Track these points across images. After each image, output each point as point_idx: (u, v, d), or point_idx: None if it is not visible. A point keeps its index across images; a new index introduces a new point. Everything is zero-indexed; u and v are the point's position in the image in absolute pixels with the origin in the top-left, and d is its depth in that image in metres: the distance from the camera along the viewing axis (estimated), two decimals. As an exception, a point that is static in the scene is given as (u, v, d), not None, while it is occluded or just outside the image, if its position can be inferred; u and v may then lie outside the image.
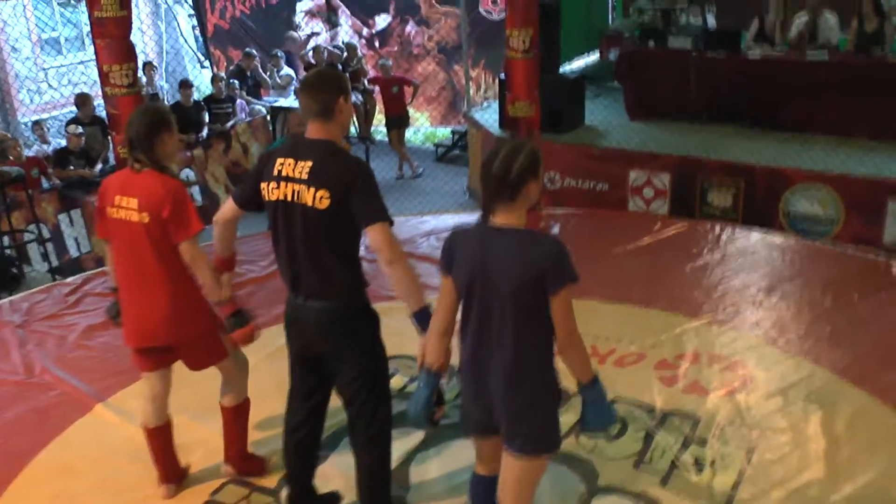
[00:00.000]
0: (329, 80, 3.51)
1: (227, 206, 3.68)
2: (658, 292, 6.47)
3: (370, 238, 3.35)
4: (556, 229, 7.98)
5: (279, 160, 3.46)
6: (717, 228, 7.74)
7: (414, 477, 4.40)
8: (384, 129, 12.36)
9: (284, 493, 4.14)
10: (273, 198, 3.46)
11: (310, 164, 3.39)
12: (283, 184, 3.43)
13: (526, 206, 3.02)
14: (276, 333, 5.26)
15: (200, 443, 4.42)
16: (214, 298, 3.82)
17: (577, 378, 3.12)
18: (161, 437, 4.23)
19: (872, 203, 7.81)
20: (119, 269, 3.92)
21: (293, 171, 3.41)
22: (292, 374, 3.81)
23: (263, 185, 3.49)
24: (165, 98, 12.23)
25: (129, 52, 7.03)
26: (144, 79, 11.41)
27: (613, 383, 5.15)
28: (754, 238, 7.54)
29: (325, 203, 3.34)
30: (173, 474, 4.33)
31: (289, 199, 3.42)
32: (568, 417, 4.74)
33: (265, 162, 3.54)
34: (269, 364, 4.98)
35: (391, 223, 3.38)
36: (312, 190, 3.36)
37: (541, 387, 3.07)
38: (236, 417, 4.23)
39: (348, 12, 14.44)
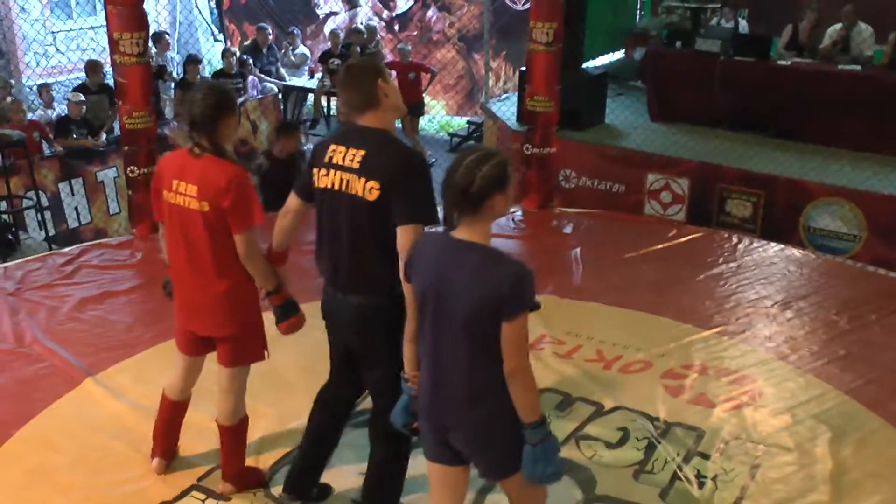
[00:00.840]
0: (360, 70, 3.51)
1: (291, 199, 3.68)
2: (669, 300, 6.46)
3: (398, 237, 3.32)
4: (568, 229, 7.99)
5: (332, 146, 3.46)
6: (735, 238, 7.72)
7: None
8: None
9: (279, 489, 4.14)
10: (321, 185, 3.46)
11: (362, 153, 3.37)
12: (332, 171, 3.42)
13: (491, 220, 2.90)
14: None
15: (189, 425, 4.43)
16: (268, 287, 3.79)
17: (521, 416, 2.87)
18: (174, 412, 4.25)
19: (895, 222, 7.79)
20: (172, 254, 3.87)
21: (343, 159, 3.40)
22: (332, 356, 3.85)
23: (314, 171, 3.50)
24: (175, 70, 12.22)
25: (140, 21, 7.04)
26: (155, 49, 11.40)
27: (618, 391, 5.18)
28: (772, 251, 7.52)
29: (375, 195, 3.32)
30: (168, 452, 4.34)
31: (336, 187, 3.41)
32: (567, 424, 4.77)
33: (321, 148, 3.55)
34: (287, 347, 4.98)
35: (430, 223, 3.33)
36: (363, 180, 3.34)
37: (499, 411, 2.90)
38: (236, 436, 4.15)
39: (369, -8, 14.46)
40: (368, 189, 3.33)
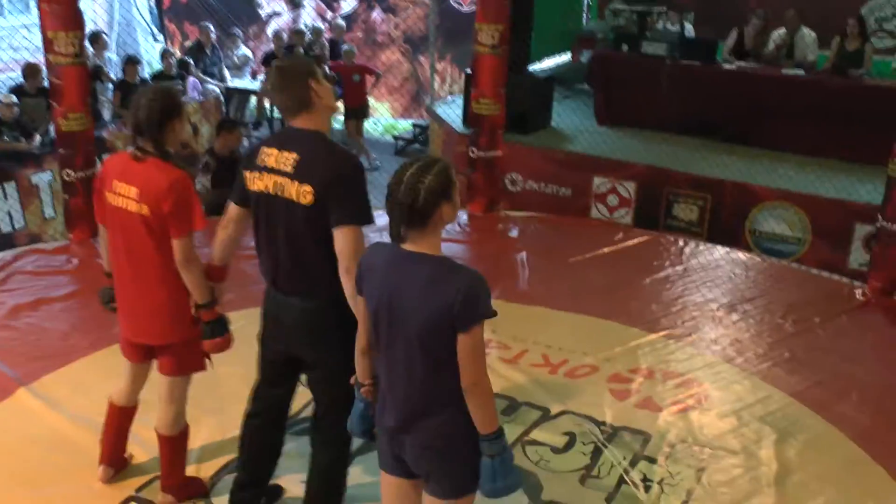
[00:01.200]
0: (291, 72, 3.48)
1: (229, 209, 3.64)
2: (615, 304, 6.52)
3: (336, 240, 3.32)
4: (514, 233, 8.03)
5: (264, 149, 3.45)
6: (681, 242, 7.82)
7: (351, 479, 4.38)
8: (342, 119, 12.31)
9: (221, 499, 4.10)
10: (255, 188, 3.45)
11: (295, 156, 3.36)
12: (265, 175, 3.41)
13: (440, 228, 2.87)
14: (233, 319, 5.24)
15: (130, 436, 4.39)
16: (202, 300, 3.74)
17: (478, 428, 2.85)
18: (123, 418, 4.21)
19: (839, 226, 7.94)
20: (113, 258, 3.84)
21: (276, 162, 3.39)
22: (262, 362, 3.81)
23: (247, 174, 3.48)
24: (114, 72, 12.05)
25: (76, 19, 6.96)
26: (91, 49, 11.24)
27: (564, 395, 5.21)
28: (718, 254, 7.63)
29: (310, 199, 3.31)
30: (116, 459, 4.30)
31: (270, 191, 3.40)
32: (513, 429, 4.79)
33: (254, 150, 3.53)
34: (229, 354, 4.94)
35: (366, 223, 3.33)
36: (297, 184, 3.33)
37: (455, 421, 2.88)
38: (177, 446, 4.12)
39: (312, -7, 14.40)
40: (303, 193, 3.32)
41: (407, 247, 2.85)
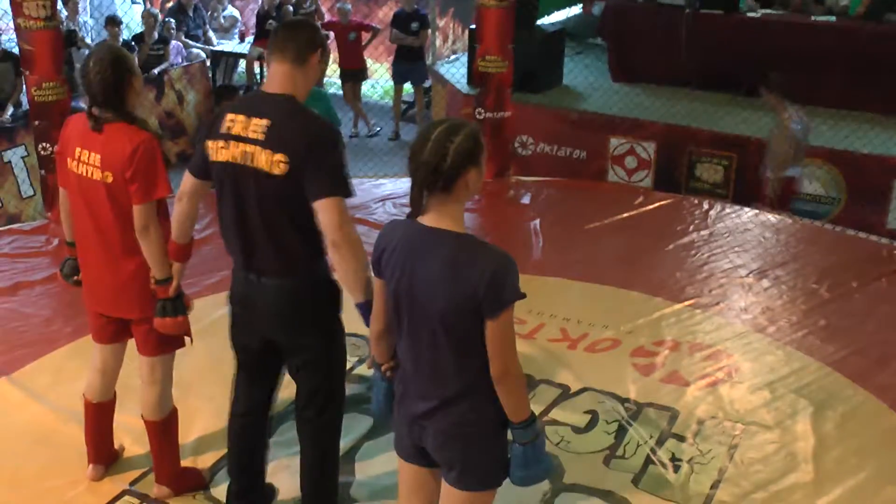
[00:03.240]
0: (312, 30, 3.49)
1: (185, 179, 3.58)
2: (637, 273, 6.50)
3: (318, 214, 3.28)
4: (525, 199, 8.00)
5: (229, 116, 3.38)
6: (705, 205, 7.79)
7: (359, 469, 4.40)
8: (338, 82, 12.28)
9: (221, 490, 4.11)
10: (220, 159, 3.39)
11: (266, 122, 3.30)
12: (232, 143, 3.35)
13: (464, 200, 2.86)
14: (209, 305, 5.26)
15: (126, 427, 4.40)
16: (159, 275, 3.71)
17: (509, 416, 2.88)
18: (102, 414, 4.19)
19: (876, 184, 7.91)
20: (77, 226, 3.83)
21: (245, 129, 3.33)
22: (238, 354, 3.77)
23: (210, 143, 3.41)
24: (90, 36, 12.01)
25: (47, -21, 6.90)
26: (65, 12, 11.19)
27: (584, 371, 5.21)
28: (746, 217, 7.59)
29: (283, 168, 3.26)
30: (105, 456, 4.29)
31: (238, 161, 3.34)
32: (532, 408, 4.78)
33: (215, 118, 3.48)
34: (200, 341, 4.95)
35: (347, 196, 3.30)
36: (268, 153, 3.28)
37: (483, 412, 2.89)
38: (165, 431, 4.10)
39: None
40: (275, 163, 3.27)
41: (427, 221, 2.83)
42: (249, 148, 3.32)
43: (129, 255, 3.73)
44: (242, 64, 12.95)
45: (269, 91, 3.41)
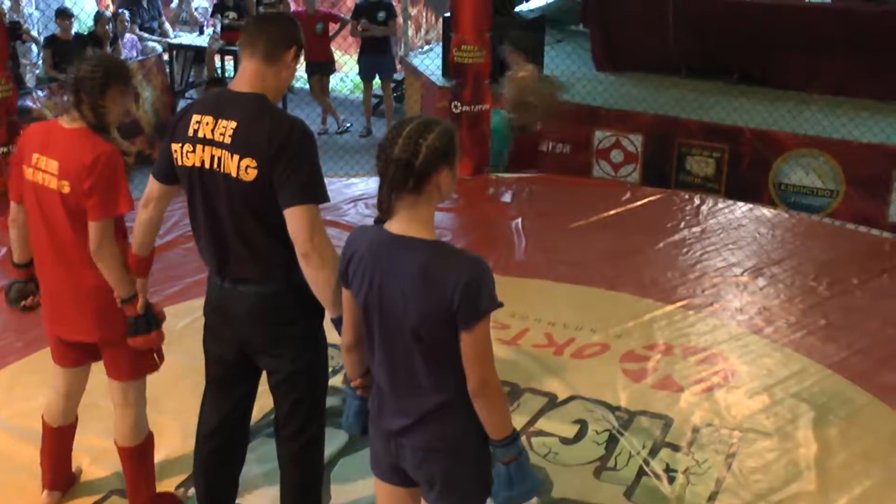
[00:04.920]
0: (288, 25, 3.45)
1: (150, 185, 3.54)
2: (625, 273, 6.52)
3: (288, 222, 3.24)
4: (506, 197, 8.01)
5: (195, 117, 3.34)
6: (697, 200, 7.83)
7: (335, 485, 4.38)
8: (304, 76, 12.25)
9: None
10: (187, 163, 3.35)
11: (234, 124, 3.27)
12: (199, 147, 3.31)
13: (436, 203, 2.82)
14: (171, 315, 5.21)
15: (83, 448, 4.37)
16: (122, 294, 3.68)
17: (489, 433, 2.85)
18: (61, 439, 4.15)
19: (876, 174, 7.97)
20: (35, 243, 3.79)
21: (213, 131, 3.29)
22: (210, 368, 3.72)
23: (175, 147, 3.37)
24: (37, 29, 11.96)
25: (-9, -30, 6.87)
26: (8, 3, 11.13)
27: (572, 378, 5.22)
28: (739, 212, 7.64)
29: (252, 174, 3.23)
30: (62, 480, 4.25)
31: (207, 165, 3.31)
32: (516, 419, 4.79)
33: (179, 118, 3.43)
34: (167, 352, 4.93)
35: (320, 202, 3.27)
36: (237, 158, 3.24)
37: (462, 427, 2.87)
38: (141, 456, 4.06)
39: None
40: (244, 168, 3.23)
41: (394, 228, 2.80)
42: (217, 152, 3.28)
43: (87, 269, 3.68)
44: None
45: (238, 90, 3.37)
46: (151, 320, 3.77)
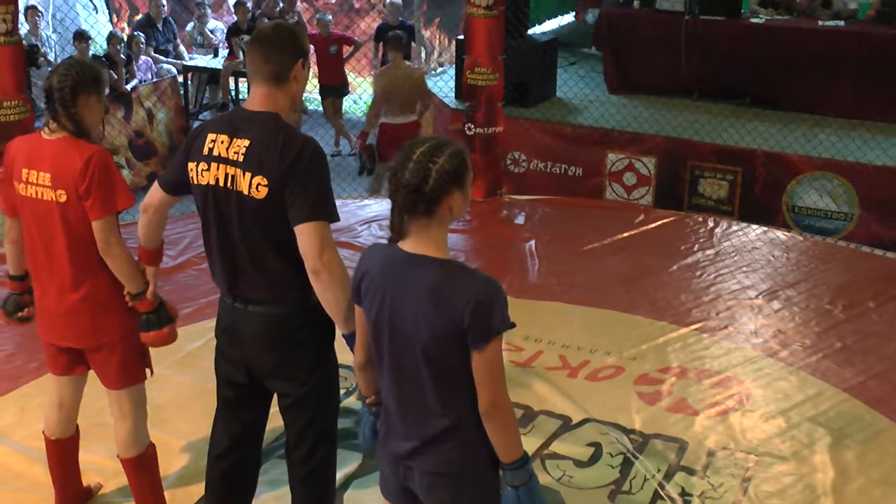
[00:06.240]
0: (288, 38, 3.41)
1: (154, 192, 3.56)
2: (639, 295, 6.50)
3: (299, 239, 3.24)
4: (520, 219, 8.00)
5: (211, 135, 3.36)
6: (710, 222, 7.80)
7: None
8: (318, 98, 12.27)
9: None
10: (202, 182, 3.36)
11: (247, 142, 3.28)
12: (213, 165, 3.32)
13: (448, 224, 2.81)
14: (183, 337, 5.22)
15: (94, 468, 4.35)
16: (133, 290, 3.72)
17: (500, 455, 2.82)
18: (64, 451, 4.14)
19: (891, 197, 7.92)
20: (29, 255, 3.83)
21: (227, 150, 3.30)
22: (221, 389, 3.70)
23: (191, 165, 3.39)
24: (53, 52, 12.00)
25: (8, -9, 6.89)
26: (26, 26, 11.18)
27: (586, 401, 5.18)
28: (753, 234, 7.61)
29: (263, 192, 3.24)
30: (73, 496, 4.24)
31: (221, 184, 3.32)
32: (530, 441, 4.76)
33: (195, 136, 3.45)
34: (178, 374, 4.94)
35: (330, 220, 3.26)
36: (249, 175, 3.25)
37: (473, 450, 2.85)
38: (144, 468, 4.06)
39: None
40: (255, 186, 3.25)
41: (407, 247, 2.79)
42: (231, 170, 3.29)
43: (80, 278, 3.72)
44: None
45: (251, 109, 3.38)
46: (163, 316, 3.80)
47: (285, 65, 3.36)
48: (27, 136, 3.82)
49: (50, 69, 10.95)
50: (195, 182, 3.39)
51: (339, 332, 3.36)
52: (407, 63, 9.02)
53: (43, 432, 4.12)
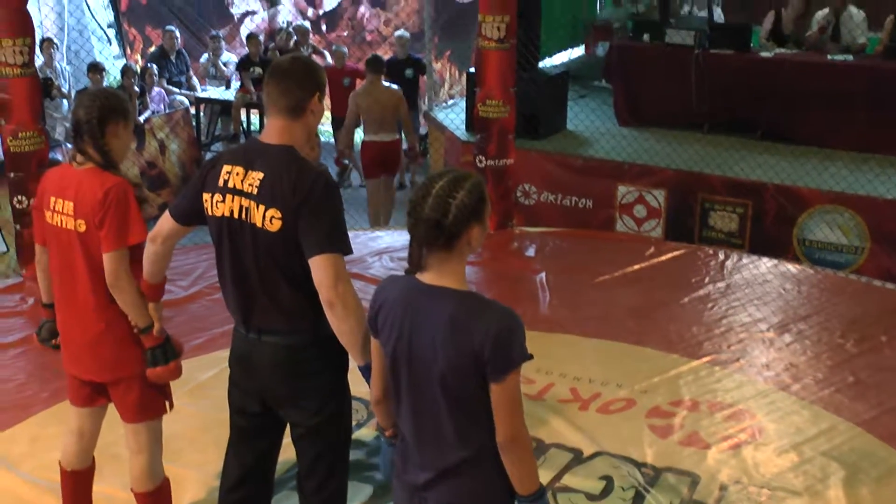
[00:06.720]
0: (306, 71, 3.44)
1: (164, 222, 3.57)
2: (650, 328, 6.48)
3: (313, 272, 3.25)
4: (530, 251, 7.99)
5: (226, 167, 3.37)
6: (721, 255, 7.79)
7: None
8: (330, 129, 12.32)
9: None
10: (217, 213, 3.38)
11: (261, 175, 3.30)
12: (228, 197, 3.34)
13: (466, 256, 2.83)
14: (196, 367, 5.24)
15: (106, 499, 4.33)
16: (140, 324, 3.73)
17: (516, 487, 2.83)
18: (77, 484, 4.13)
19: (903, 231, 7.90)
20: (55, 283, 3.86)
21: (242, 182, 3.32)
22: (234, 419, 3.69)
23: (206, 196, 3.40)
24: (67, 83, 12.09)
25: (24, 25, 6.95)
26: (42, 58, 11.27)
27: (598, 434, 5.16)
28: (764, 267, 7.59)
29: (277, 225, 3.26)
30: None
31: (235, 216, 3.34)
32: (541, 475, 4.72)
33: (210, 168, 3.46)
34: (190, 404, 4.92)
35: (344, 253, 3.27)
36: (262, 208, 3.27)
37: (490, 483, 2.85)
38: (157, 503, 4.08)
39: (291, -11, 14.45)
40: (269, 218, 3.26)
41: (426, 279, 2.80)
42: (245, 202, 3.31)
43: (101, 311, 3.73)
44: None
45: (267, 141, 3.40)
46: (169, 351, 3.81)
47: (302, 98, 3.38)
48: (61, 166, 3.86)
49: (63, 100, 11.12)
50: (210, 213, 3.41)
51: (353, 364, 3.36)
52: (385, 84, 9.45)
53: (59, 462, 4.12)
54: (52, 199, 3.70)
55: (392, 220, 9.95)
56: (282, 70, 3.44)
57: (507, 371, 2.70)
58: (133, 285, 3.68)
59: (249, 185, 3.30)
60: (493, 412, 2.73)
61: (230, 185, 3.34)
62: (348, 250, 3.30)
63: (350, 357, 3.37)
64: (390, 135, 9.53)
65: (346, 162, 10.50)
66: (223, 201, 3.35)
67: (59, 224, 3.69)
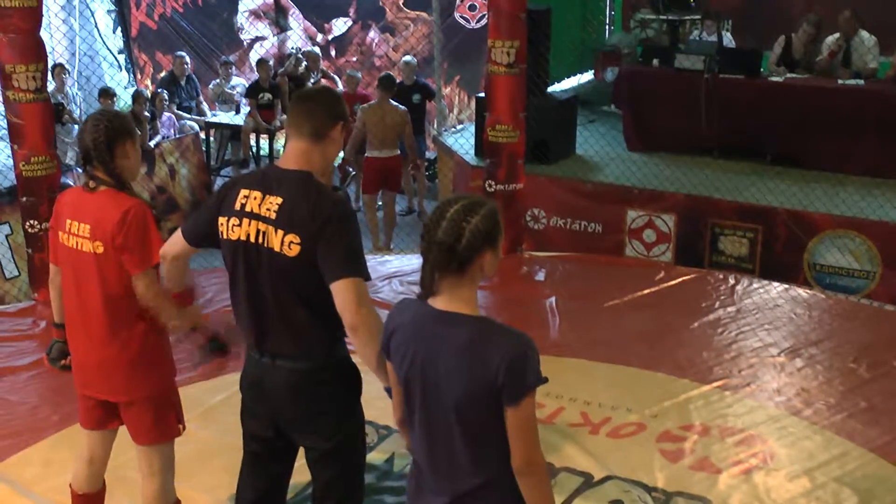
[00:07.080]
0: (332, 100, 3.52)
1: (176, 242, 3.63)
2: (660, 353, 6.48)
3: (335, 297, 3.28)
4: (540, 276, 8.01)
5: (243, 191, 3.40)
6: (731, 280, 7.79)
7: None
8: (342, 154, 12.35)
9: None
10: (232, 236, 3.41)
11: (279, 200, 3.33)
12: (245, 221, 3.37)
13: (478, 282, 2.84)
14: (205, 391, 5.25)
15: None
16: (184, 326, 3.84)
17: None
18: None
19: (914, 255, 7.90)
20: (67, 305, 3.89)
21: (260, 206, 3.35)
22: (247, 443, 3.71)
23: (222, 220, 3.44)
24: (80, 108, 12.16)
25: (37, 51, 7.01)
26: (53, 83, 11.34)
27: (608, 458, 5.17)
28: (774, 292, 7.59)
29: (295, 250, 3.28)
30: None
31: (252, 240, 3.36)
32: (554, 498, 4.72)
33: (226, 191, 3.49)
34: (201, 427, 4.93)
35: (364, 278, 3.30)
36: (280, 233, 3.30)
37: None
38: None
39: (301, 14, 14.50)
40: (287, 244, 3.29)
41: (438, 304, 2.81)
42: (262, 226, 3.34)
43: (114, 333, 3.77)
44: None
45: (285, 167, 3.43)
46: (225, 337, 3.98)
47: (325, 123, 3.42)
48: (76, 188, 3.90)
49: (74, 126, 11.17)
50: (224, 236, 3.43)
51: (364, 387, 3.38)
52: (393, 104, 9.82)
53: (70, 486, 4.13)
54: (68, 221, 3.74)
55: (392, 244, 10.01)
56: (308, 96, 3.53)
57: (522, 395, 2.70)
58: (167, 298, 3.75)
59: (267, 209, 3.33)
60: (509, 436, 2.74)
61: (247, 209, 3.37)
62: (367, 276, 3.32)
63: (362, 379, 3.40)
64: (392, 151, 9.86)
65: (350, 170, 10.65)
66: (239, 225, 3.38)
67: (74, 246, 3.72)
